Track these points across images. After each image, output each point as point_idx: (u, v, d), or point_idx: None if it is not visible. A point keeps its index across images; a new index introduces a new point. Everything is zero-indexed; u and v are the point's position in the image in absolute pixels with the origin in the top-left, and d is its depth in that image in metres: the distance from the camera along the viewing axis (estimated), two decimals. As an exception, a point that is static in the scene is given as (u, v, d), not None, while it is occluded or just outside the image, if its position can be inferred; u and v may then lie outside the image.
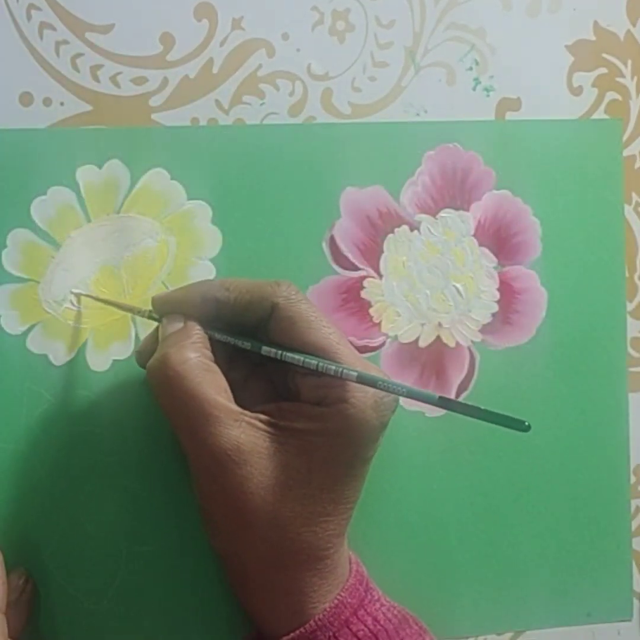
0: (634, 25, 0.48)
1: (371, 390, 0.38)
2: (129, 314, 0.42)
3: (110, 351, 0.42)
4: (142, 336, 0.42)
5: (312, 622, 0.38)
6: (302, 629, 0.38)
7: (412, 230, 0.46)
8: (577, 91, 0.48)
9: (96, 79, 0.42)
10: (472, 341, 0.47)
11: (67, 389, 0.42)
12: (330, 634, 0.38)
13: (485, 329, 0.47)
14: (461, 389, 0.47)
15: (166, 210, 0.43)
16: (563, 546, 0.48)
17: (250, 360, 0.41)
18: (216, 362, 0.39)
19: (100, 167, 0.42)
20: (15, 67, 0.41)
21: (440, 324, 0.47)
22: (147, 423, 0.42)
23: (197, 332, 0.39)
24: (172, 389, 0.38)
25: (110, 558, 0.42)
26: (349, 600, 0.39)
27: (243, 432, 0.37)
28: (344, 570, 0.40)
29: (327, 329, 0.39)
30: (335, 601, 0.39)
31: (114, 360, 0.42)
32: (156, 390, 0.39)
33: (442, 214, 0.47)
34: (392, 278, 0.46)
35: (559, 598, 0.48)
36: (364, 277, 0.46)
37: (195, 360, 0.38)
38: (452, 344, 0.47)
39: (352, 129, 0.45)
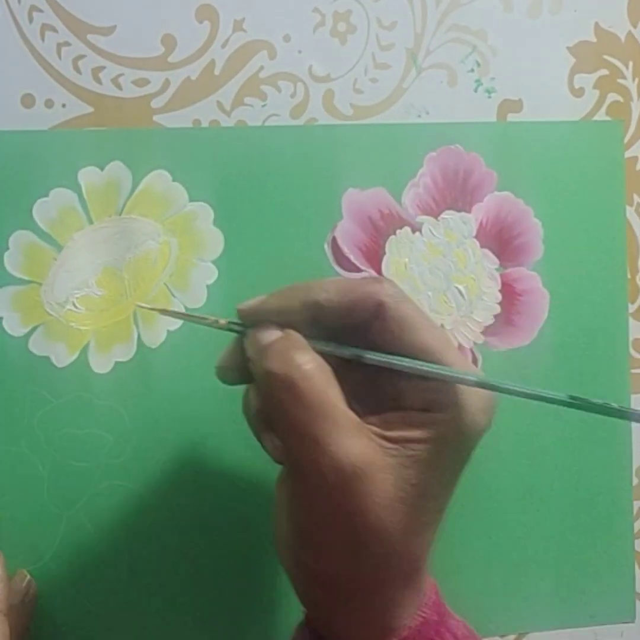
0: (635, 26, 0.48)
1: (480, 392, 0.35)
2: (131, 316, 0.42)
3: (112, 353, 0.42)
4: (144, 338, 0.42)
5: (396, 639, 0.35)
6: None
7: (414, 231, 0.46)
8: (578, 93, 0.48)
9: (98, 80, 0.42)
10: (474, 343, 0.47)
11: (69, 391, 0.41)
12: None
13: (487, 331, 0.47)
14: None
15: (168, 212, 0.43)
16: (566, 548, 0.47)
17: (343, 367, 0.37)
18: None
19: (102, 168, 0.42)
20: (17, 69, 0.41)
21: (442, 326, 0.46)
22: (150, 424, 0.42)
23: (301, 338, 0.36)
24: (300, 393, 0.34)
25: (112, 559, 0.42)
26: (433, 617, 0.37)
27: (367, 445, 0.34)
28: (425, 584, 0.38)
29: (436, 331, 0.36)
30: (419, 619, 0.36)
31: (116, 362, 0.42)
32: (280, 395, 0.35)
33: (443, 215, 0.46)
34: (394, 279, 0.45)
35: (562, 600, 0.47)
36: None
37: (318, 361, 0.35)
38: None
39: (353, 130, 0.45)
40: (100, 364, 0.42)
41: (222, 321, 0.37)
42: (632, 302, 0.49)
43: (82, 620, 0.41)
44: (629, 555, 0.48)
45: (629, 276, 0.48)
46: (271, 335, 0.36)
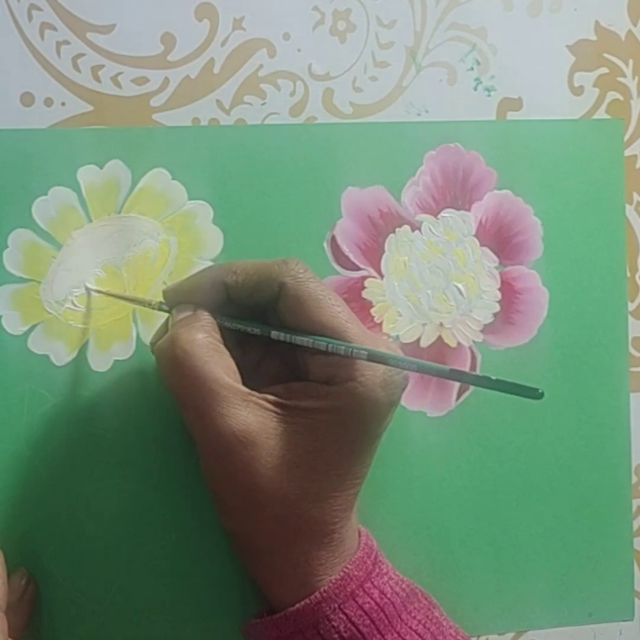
0: (635, 25, 0.48)
1: (381, 368, 0.38)
2: (131, 315, 0.42)
3: (111, 351, 0.42)
4: (144, 336, 0.42)
5: (317, 593, 0.38)
6: (307, 600, 0.38)
7: (413, 230, 0.46)
8: (578, 91, 0.48)
9: (97, 79, 0.42)
10: (473, 341, 0.47)
11: (68, 390, 0.42)
12: (336, 605, 0.38)
13: (486, 329, 0.47)
14: (462, 389, 0.46)
15: (167, 210, 0.43)
16: (564, 546, 0.47)
17: (263, 342, 0.40)
18: (229, 346, 0.39)
19: (101, 167, 0.42)
20: (17, 68, 0.41)
21: (441, 324, 0.46)
22: (149, 423, 0.42)
23: (205, 317, 0.39)
24: (180, 368, 0.37)
25: (111, 558, 0.42)
26: (356, 572, 0.39)
27: (251, 412, 0.37)
28: (352, 543, 0.40)
29: (336, 308, 0.39)
30: (341, 573, 0.39)
31: (116, 361, 0.42)
32: (164, 370, 0.39)
33: (443, 214, 0.46)
34: (394, 278, 0.46)
35: (560, 598, 0.47)
36: (365, 277, 0.45)
37: (204, 340, 0.38)
38: (453, 344, 0.46)
39: (353, 129, 0.45)
40: (99, 363, 0.42)
41: (154, 302, 0.41)
42: (632, 301, 0.49)
43: (80, 618, 0.42)
44: (628, 554, 0.48)
45: (628, 274, 0.49)
46: (181, 314, 0.40)
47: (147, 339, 0.42)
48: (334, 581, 0.38)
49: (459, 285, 0.47)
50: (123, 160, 0.42)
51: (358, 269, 0.45)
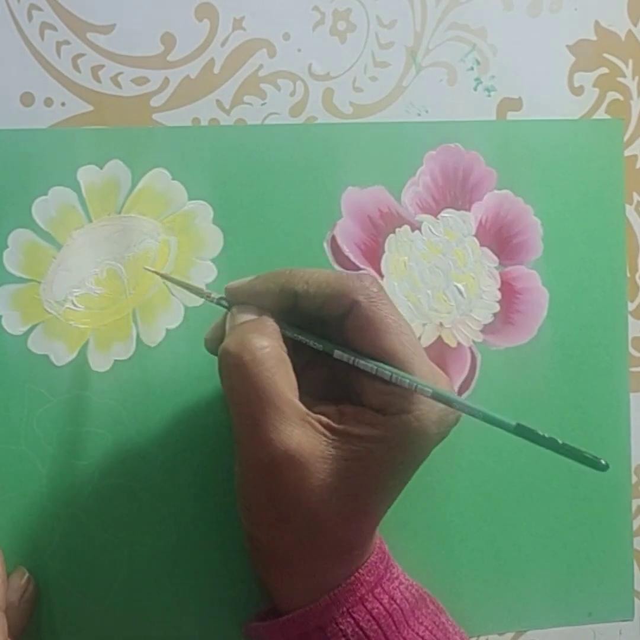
0: (635, 25, 0.48)
1: (437, 404, 0.37)
2: (131, 315, 0.42)
3: (111, 351, 0.42)
4: (143, 337, 0.42)
5: (327, 596, 0.38)
6: (316, 603, 0.38)
7: (413, 230, 0.46)
8: (578, 91, 0.48)
9: (97, 79, 0.42)
10: (473, 341, 0.47)
11: (68, 390, 0.42)
12: (344, 609, 0.38)
13: (486, 329, 0.47)
14: (462, 389, 0.46)
15: (167, 211, 0.43)
16: (564, 546, 0.47)
17: (312, 349, 0.39)
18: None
19: (101, 167, 0.42)
20: (17, 68, 0.41)
21: (441, 324, 0.46)
22: (149, 423, 0.42)
23: (272, 324, 0.38)
24: (247, 375, 0.36)
25: (111, 558, 0.42)
26: (367, 577, 0.39)
27: (305, 433, 0.36)
28: (368, 552, 0.40)
29: (405, 337, 0.37)
30: (352, 578, 0.38)
31: (116, 361, 0.42)
32: (228, 374, 0.37)
33: (443, 214, 0.46)
34: (394, 278, 0.46)
35: (560, 598, 0.47)
36: None
37: (273, 349, 0.37)
38: (453, 344, 0.46)
39: (353, 129, 0.45)
40: (100, 363, 0.42)
41: (214, 295, 0.40)
42: (632, 301, 0.49)
43: (80, 617, 0.42)
44: (628, 553, 0.48)
45: (628, 274, 0.49)
46: (245, 316, 0.38)
47: (147, 339, 0.42)
48: (344, 585, 0.38)
49: (459, 285, 0.47)
50: (123, 160, 0.42)
51: (358, 269, 0.45)
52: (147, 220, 0.43)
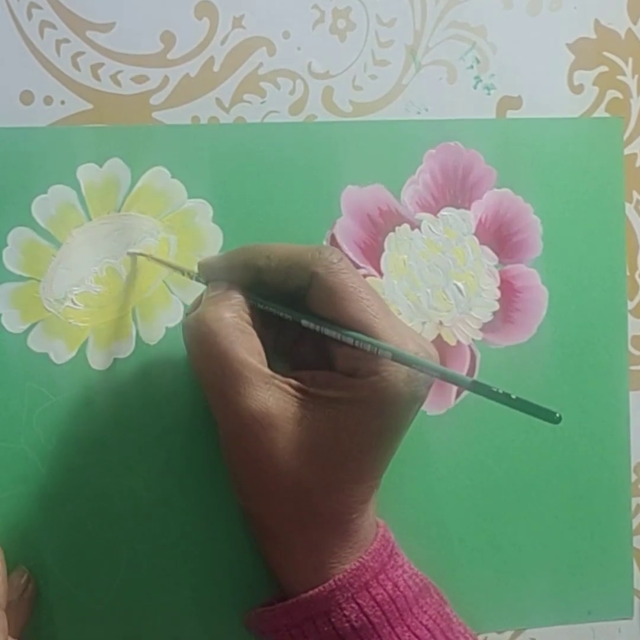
0: (634, 23, 0.48)
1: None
2: (130, 313, 0.42)
3: (111, 349, 0.42)
4: (143, 335, 0.42)
5: (331, 581, 0.38)
6: (320, 588, 0.38)
7: (413, 228, 0.46)
8: (577, 89, 0.48)
9: (97, 77, 0.42)
10: (473, 339, 0.47)
11: (68, 388, 0.42)
12: (349, 595, 0.38)
13: (486, 328, 0.47)
14: (462, 387, 0.46)
15: (167, 209, 0.43)
16: (564, 544, 0.48)
17: (298, 326, 0.40)
18: (262, 327, 0.39)
19: (100, 165, 0.42)
20: (16, 66, 0.41)
21: (441, 323, 0.47)
22: (148, 421, 0.42)
23: (236, 296, 0.39)
24: (205, 345, 0.38)
25: (111, 557, 0.42)
26: (371, 563, 0.39)
27: (272, 395, 0.37)
28: (368, 534, 0.40)
29: (365, 301, 0.38)
30: (357, 563, 0.39)
31: (115, 359, 0.42)
32: (189, 346, 0.39)
33: (443, 212, 0.47)
34: (393, 276, 0.46)
35: (559, 596, 0.48)
36: (365, 276, 0.45)
37: (231, 319, 0.38)
38: (453, 343, 0.47)
39: (352, 127, 0.45)
40: (99, 361, 0.42)
41: (193, 272, 0.41)
42: (631, 299, 0.49)
43: (80, 616, 0.42)
44: (627, 552, 0.49)
45: (628, 273, 0.49)
46: (213, 291, 0.40)
47: (147, 337, 0.43)
48: (349, 570, 0.39)
49: (459, 284, 0.47)
50: (123, 158, 0.42)
51: (358, 267, 0.45)
52: (146, 218, 0.43)
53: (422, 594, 0.40)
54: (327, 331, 0.38)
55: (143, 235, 0.43)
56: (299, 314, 0.39)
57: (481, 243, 0.47)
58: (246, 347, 0.38)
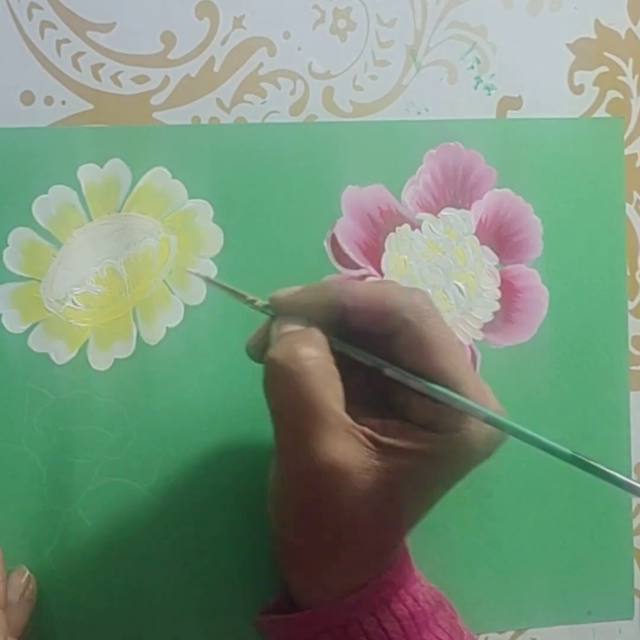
0: (635, 23, 0.48)
1: (486, 424, 0.37)
2: (131, 313, 0.42)
3: (111, 350, 0.42)
4: (144, 335, 0.42)
5: (354, 595, 0.38)
6: (341, 601, 0.38)
7: (413, 228, 0.46)
8: (578, 90, 0.48)
9: (97, 77, 0.42)
10: (473, 340, 0.47)
11: (68, 388, 0.42)
12: (369, 609, 0.38)
13: (486, 328, 0.47)
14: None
15: (167, 209, 0.43)
16: (564, 545, 0.48)
17: (355, 362, 0.39)
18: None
19: (101, 165, 0.42)
20: (17, 66, 0.41)
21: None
22: (150, 422, 0.42)
23: (319, 335, 0.37)
24: (295, 386, 0.36)
25: (112, 557, 0.42)
26: (394, 579, 0.39)
27: (350, 444, 0.36)
28: (395, 553, 0.40)
29: (457, 357, 0.37)
30: (380, 579, 0.38)
31: (116, 359, 0.42)
32: (275, 383, 0.37)
33: (443, 212, 0.47)
34: (394, 277, 0.46)
35: (559, 596, 0.48)
36: (366, 276, 0.45)
37: (322, 360, 0.36)
38: None
39: (353, 127, 0.45)
40: (100, 361, 0.42)
41: (259, 303, 0.39)
42: (632, 299, 0.49)
43: (80, 616, 0.42)
44: (627, 552, 0.49)
45: (628, 273, 0.49)
46: (292, 327, 0.37)
47: (148, 337, 0.42)
48: (371, 585, 0.38)
49: (459, 284, 0.47)
50: (123, 159, 0.43)
51: (358, 267, 0.45)
52: (147, 218, 0.43)
53: (438, 608, 0.40)
54: (414, 384, 0.37)
55: (143, 236, 0.43)
56: (384, 362, 0.37)
57: (482, 243, 0.47)
58: (333, 391, 0.36)
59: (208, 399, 0.43)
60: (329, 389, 0.36)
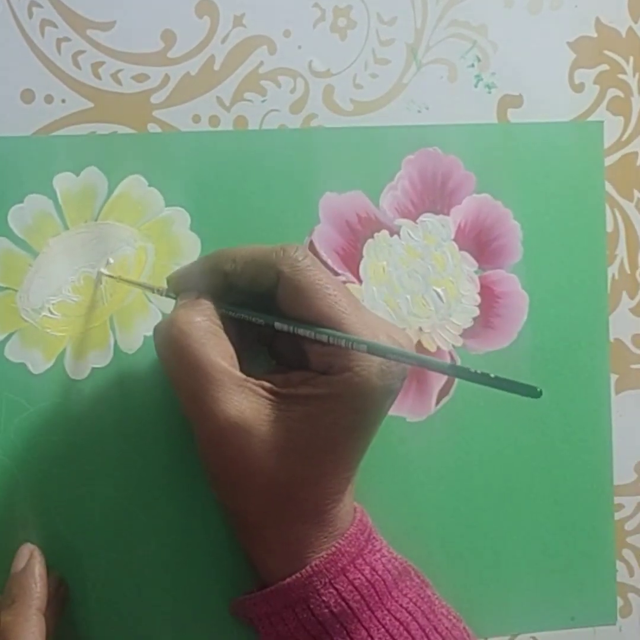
0: (635, 22, 0.70)
1: (377, 357, 0.55)
2: (108, 322, 0.63)
3: (88, 359, 0.63)
4: (121, 344, 0.63)
5: (308, 568, 0.57)
6: (298, 575, 0.57)
7: (392, 235, 0.67)
8: (578, 88, 0.69)
9: (97, 76, 0.62)
10: (453, 346, 0.68)
11: (45, 398, 0.62)
12: (326, 580, 0.57)
13: (466, 334, 0.68)
14: (442, 393, 0.68)
15: (144, 217, 0.64)
16: (546, 550, 0.69)
17: (265, 328, 0.59)
18: (231, 333, 0.58)
19: (77, 174, 0.63)
20: (17, 65, 0.61)
21: (420, 329, 0.68)
22: (127, 431, 0.63)
23: (205, 303, 0.57)
24: (177, 349, 0.56)
25: (88, 565, 0.63)
26: (347, 548, 0.58)
27: (245, 398, 0.56)
28: (344, 521, 0.59)
29: (333, 297, 0.56)
30: (333, 549, 0.58)
31: (93, 368, 0.63)
32: (160, 350, 0.58)
33: (422, 218, 0.68)
34: (372, 283, 0.67)
35: (542, 602, 0.69)
36: (344, 283, 0.66)
37: (202, 322, 0.56)
38: (433, 349, 0.68)
39: (330, 134, 0.66)
40: (77, 370, 0.63)
41: (162, 288, 0.61)
42: (632, 298, 0.72)
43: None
44: (610, 558, 0.71)
45: (628, 271, 0.71)
46: (183, 300, 0.59)
47: (125, 346, 0.63)
48: (325, 556, 0.57)
49: (438, 290, 0.68)
50: (99, 167, 0.63)
51: (336, 274, 0.66)
52: (124, 227, 0.63)
53: (402, 577, 0.60)
54: (301, 331, 0.56)
55: (120, 244, 0.63)
56: (271, 317, 0.58)
57: (461, 249, 0.68)
58: (218, 350, 0.56)
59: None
60: (212, 348, 0.56)
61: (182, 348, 0.57)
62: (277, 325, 0.58)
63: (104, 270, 0.64)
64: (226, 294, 0.60)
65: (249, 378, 0.57)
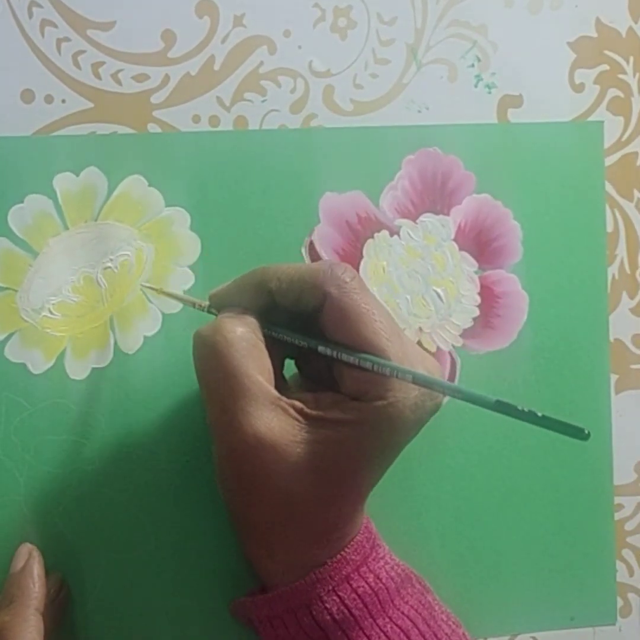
0: (636, 22, 0.71)
1: (414, 391, 0.56)
2: (108, 322, 0.64)
3: (88, 359, 0.63)
4: (121, 344, 0.64)
5: (312, 574, 0.58)
6: (302, 581, 0.58)
7: (392, 235, 0.68)
8: (578, 88, 0.70)
9: (97, 76, 0.63)
10: (453, 346, 0.69)
11: (45, 398, 0.63)
12: (330, 588, 0.58)
13: (466, 334, 0.69)
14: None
15: (144, 217, 0.64)
16: (546, 550, 0.70)
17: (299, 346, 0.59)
18: (275, 347, 0.58)
19: (77, 174, 0.63)
20: (17, 65, 0.62)
21: (421, 329, 0.68)
22: (127, 431, 0.64)
23: (250, 318, 0.58)
24: (219, 356, 0.56)
25: (90, 567, 0.64)
26: (353, 556, 0.59)
27: (276, 416, 0.56)
28: (352, 531, 0.60)
29: (377, 323, 0.56)
30: (338, 556, 0.58)
31: (93, 368, 0.63)
32: (200, 356, 0.57)
33: (422, 218, 0.68)
34: (372, 283, 0.67)
35: (541, 602, 0.70)
36: None
37: (246, 334, 0.57)
38: (433, 349, 0.69)
39: (330, 134, 0.67)
40: (77, 371, 0.63)
41: (203, 304, 0.61)
42: (632, 298, 0.72)
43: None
44: (610, 558, 0.72)
45: (628, 271, 0.72)
46: (227, 313, 0.58)
47: (125, 346, 0.64)
48: (330, 564, 0.58)
49: (438, 290, 0.68)
50: (99, 167, 0.64)
51: None
52: (123, 227, 0.64)
53: (404, 585, 0.60)
54: (345, 357, 0.56)
55: (120, 244, 0.64)
56: (315, 341, 0.58)
57: (461, 249, 0.69)
58: (257, 364, 0.56)
59: (186, 407, 0.64)
60: (253, 361, 0.56)
61: (223, 356, 0.57)
62: (321, 349, 0.58)
63: (145, 283, 0.64)
64: (269, 315, 0.60)
65: (282, 397, 0.57)
